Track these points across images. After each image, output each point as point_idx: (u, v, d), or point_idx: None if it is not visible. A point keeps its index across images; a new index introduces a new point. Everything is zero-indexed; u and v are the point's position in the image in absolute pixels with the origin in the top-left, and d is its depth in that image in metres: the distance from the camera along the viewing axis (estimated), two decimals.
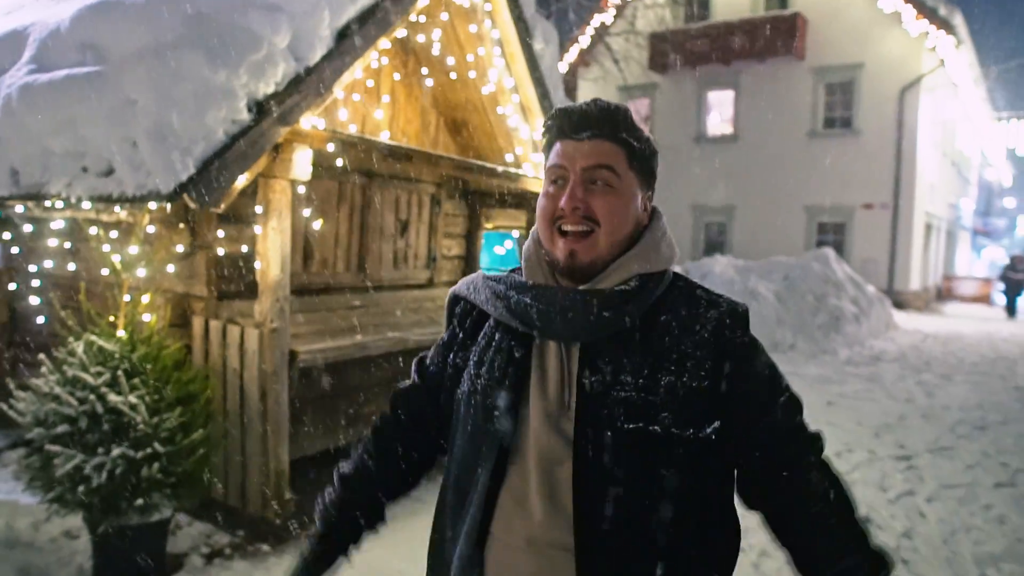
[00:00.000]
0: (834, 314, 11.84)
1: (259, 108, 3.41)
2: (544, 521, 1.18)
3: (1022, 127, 26.52)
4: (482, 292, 1.35)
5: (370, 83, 5.02)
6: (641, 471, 1.16)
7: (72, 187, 3.46)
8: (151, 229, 3.72)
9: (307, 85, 3.62)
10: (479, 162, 5.29)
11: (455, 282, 6.09)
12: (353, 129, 4.86)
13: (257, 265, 3.74)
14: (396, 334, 4.65)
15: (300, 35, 3.57)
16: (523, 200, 6.12)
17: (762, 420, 1.22)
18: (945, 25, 16.84)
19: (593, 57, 19.69)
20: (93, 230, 3.73)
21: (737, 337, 1.23)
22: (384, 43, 4.24)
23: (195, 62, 3.25)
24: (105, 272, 3.65)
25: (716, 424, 1.19)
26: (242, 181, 3.41)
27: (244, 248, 4.11)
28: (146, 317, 3.59)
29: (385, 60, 4.97)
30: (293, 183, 3.77)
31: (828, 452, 1.27)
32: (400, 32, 4.50)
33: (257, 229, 3.71)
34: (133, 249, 3.50)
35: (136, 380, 3.33)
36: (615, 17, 19.94)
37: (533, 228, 1.34)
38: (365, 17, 3.95)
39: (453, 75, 5.45)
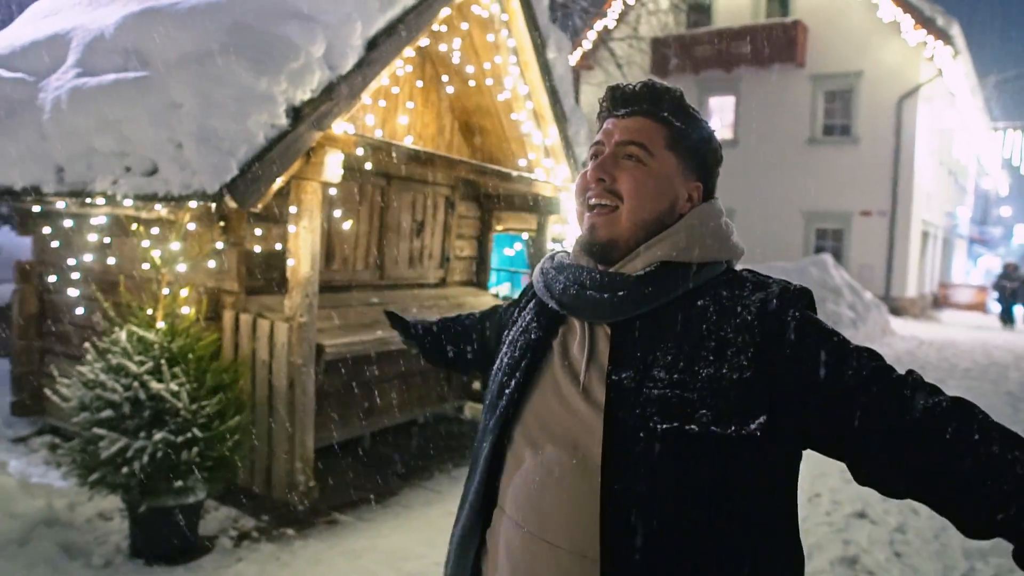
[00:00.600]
0: (831, 319, 12.06)
1: (296, 114, 3.61)
2: (555, 513, 1.11)
3: (1018, 137, 26.80)
4: (538, 268, 1.36)
5: (395, 90, 5.22)
6: (676, 475, 1.05)
7: (117, 185, 3.65)
8: (191, 227, 3.91)
9: (339, 92, 3.81)
10: (495, 166, 5.49)
11: (467, 282, 6.29)
12: (379, 134, 5.06)
13: (290, 262, 3.94)
14: None
15: (334, 45, 3.77)
16: (534, 203, 6.32)
17: (854, 391, 1.02)
18: (943, 35, 17.07)
19: (596, 61, 19.88)
20: (133, 226, 3.92)
21: (788, 316, 1.08)
22: (408, 52, 4.44)
23: (238, 69, 3.45)
24: (145, 267, 3.84)
25: (762, 419, 1.03)
26: (278, 183, 3.61)
27: (273, 246, 4.30)
28: (184, 310, 3.78)
29: (409, 68, 5.17)
30: (324, 185, 3.97)
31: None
32: (423, 41, 4.71)
33: (291, 228, 3.90)
34: (174, 245, 3.69)
35: (176, 369, 3.53)
36: (618, 22, 20.17)
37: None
38: (393, 28, 4.15)
39: (471, 82, 5.65)
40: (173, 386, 3.46)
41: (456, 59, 5.47)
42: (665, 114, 1.21)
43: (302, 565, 3.67)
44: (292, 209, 3.89)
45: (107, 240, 4.42)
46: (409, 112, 5.47)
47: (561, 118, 5.93)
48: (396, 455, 5.23)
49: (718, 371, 1.05)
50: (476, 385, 6.21)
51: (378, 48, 4.04)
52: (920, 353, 12.62)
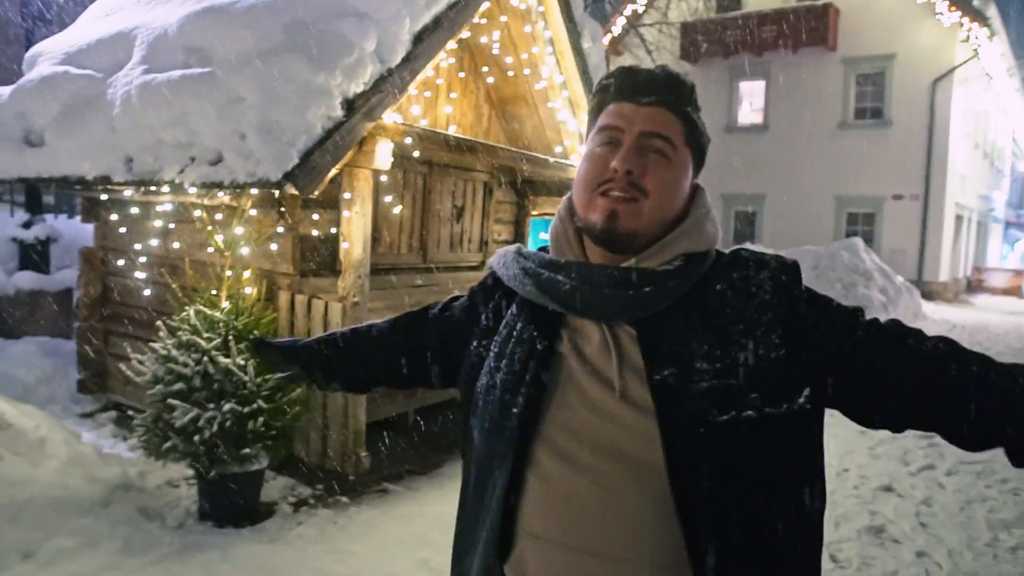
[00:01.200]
0: (862, 303, 12.10)
1: (350, 105, 3.84)
2: (615, 524, 1.05)
3: None
4: (511, 268, 1.23)
5: (439, 81, 5.44)
6: (742, 463, 1.04)
7: (184, 174, 3.91)
8: (252, 212, 4.17)
9: (389, 84, 4.04)
10: (533, 153, 5.70)
11: None
12: (424, 123, 5.29)
13: (344, 245, 4.19)
14: None
15: (384, 40, 3.99)
16: (567, 188, 6.50)
17: (868, 347, 1.10)
18: (978, 16, 16.86)
19: (625, 46, 19.91)
20: (197, 213, 4.19)
21: (797, 291, 1.13)
22: (451, 44, 4.65)
23: (297, 65, 3.69)
24: (208, 250, 4.11)
25: (807, 391, 1.07)
26: (334, 171, 3.85)
27: (327, 230, 4.56)
28: (247, 291, 4.04)
29: (451, 60, 5.39)
30: (375, 172, 4.21)
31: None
32: (464, 34, 4.92)
33: (344, 213, 4.15)
34: (237, 230, 3.95)
35: (242, 345, 3.79)
36: (647, 7, 20.16)
37: (559, 207, 1.25)
38: (437, 22, 4.36)
39: (510, 72, 5.86)
40: (240, 360, 3.73)
41: (495, 50, 5.67)
42: (687, 108, 1.19)
43: (357, 528, 3.93)
44: (346, 195, 4.14)
45: (171, 226, 4.71)
46: (451, 102, 5.69)
47: None
48: (439, 430, 5.51)
49: (755, 353, 1.06)
50: None
51: (424, 42, 4.25)
52: (952, 336, 12.58)
